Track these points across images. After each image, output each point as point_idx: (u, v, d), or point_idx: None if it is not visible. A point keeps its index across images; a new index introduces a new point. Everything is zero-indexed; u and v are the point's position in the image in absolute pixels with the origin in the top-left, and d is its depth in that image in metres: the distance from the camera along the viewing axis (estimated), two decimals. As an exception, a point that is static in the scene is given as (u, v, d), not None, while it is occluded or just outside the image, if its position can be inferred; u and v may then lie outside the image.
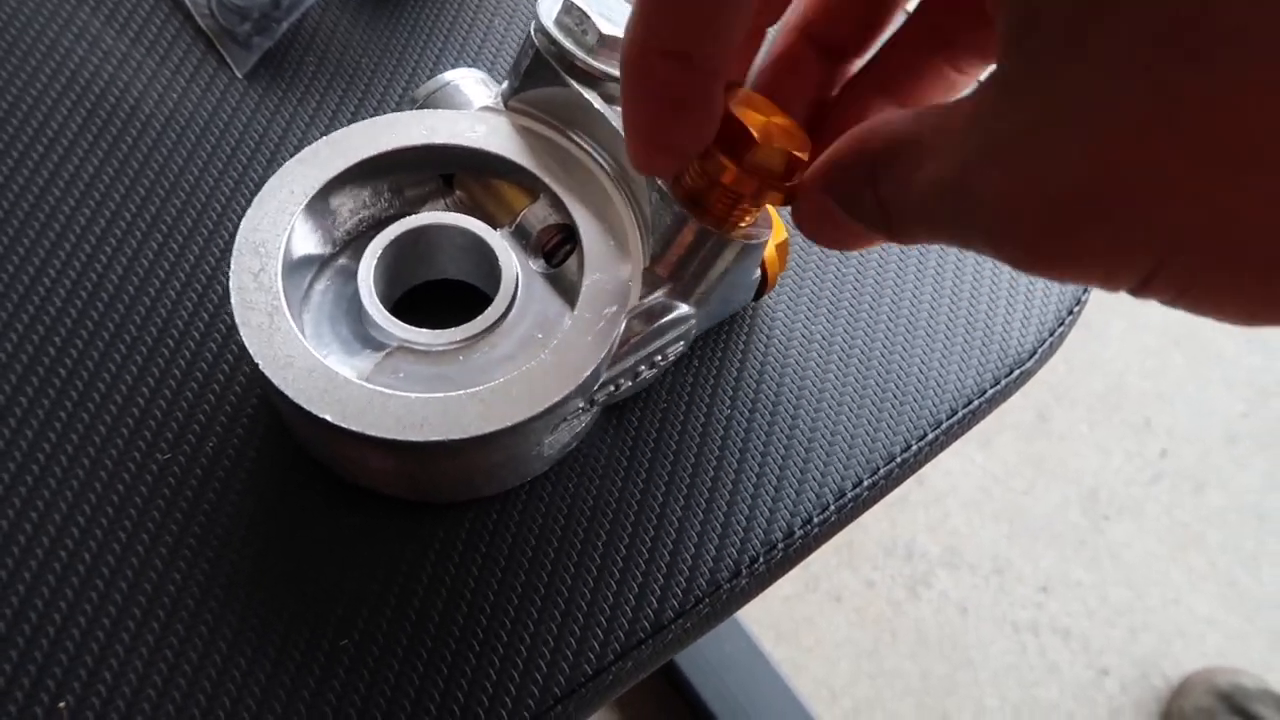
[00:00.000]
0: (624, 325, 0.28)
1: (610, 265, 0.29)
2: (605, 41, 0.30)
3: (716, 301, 0.31)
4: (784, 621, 0.99)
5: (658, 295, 0.30)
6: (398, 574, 0.29)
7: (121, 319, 0.33)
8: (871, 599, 1.01)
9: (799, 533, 0.31)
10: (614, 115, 0.30)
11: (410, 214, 0.31)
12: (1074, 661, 1.00)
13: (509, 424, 0.26)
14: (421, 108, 0.33)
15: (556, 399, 0.27)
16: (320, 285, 0.31)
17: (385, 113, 0.38)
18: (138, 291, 0.33)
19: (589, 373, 0.27)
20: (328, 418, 0.26)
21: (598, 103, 0.30)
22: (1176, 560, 1.06)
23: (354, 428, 0.26)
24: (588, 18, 0.30)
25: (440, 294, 0.33)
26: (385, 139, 0.31)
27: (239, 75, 0.38)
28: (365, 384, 0.27)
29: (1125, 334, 1.17)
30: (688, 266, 0.30)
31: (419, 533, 0.30)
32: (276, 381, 0.26)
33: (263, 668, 0.28)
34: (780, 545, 0.31)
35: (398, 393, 0.26)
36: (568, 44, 0.30)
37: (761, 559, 0.31)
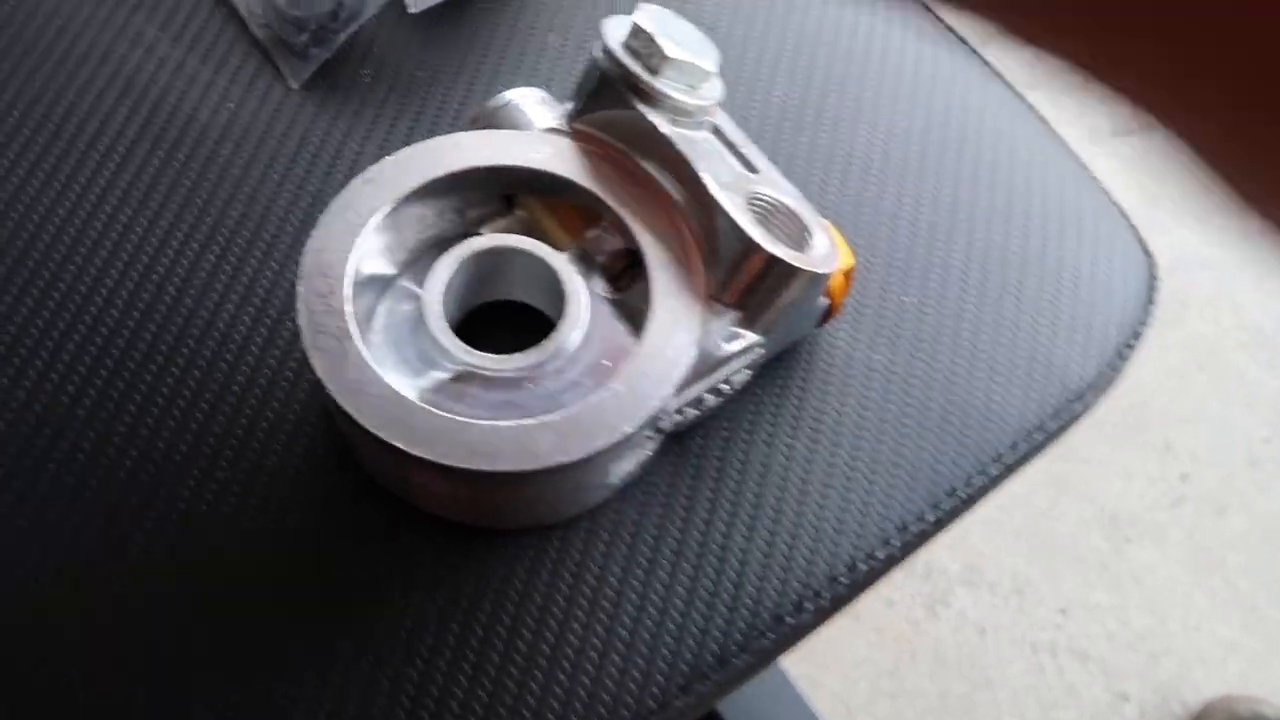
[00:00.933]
0: (693, 353, 0.28)
1: (676, 292, 0.29)
2: (671, 64, 0.30)
3: (782, 329, 0.31)
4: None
5: (724, 323, 0.29)
6: (460, 600, 0.29)
7: (180, 331, 0.32)
8: (890, 618, 1.01)
9: (862, 566, 0.31)
10: (680, 139, 0.30)
11: (472, 234, 0.31)
12: (1093, 684, 1.00)
13: (583, 454, 0.26)
14: (482, 127, 0.33)
15: (630, 429, 0.26)
16: (383, 307, 0.30)
17: (440, 128, 0.38)
18: (196, 303, 0.33)
19: (660, 402, 0.27)
20: (399, 445, 0.25)
21: (664, 126, 0.30)
22: (1198, 584, 1.05)
23: (426, 456, 0.25)
24: (654, 41, 0.30)
25: (496, 315, 0.33)
26: (451, 159, 0.30)
27: (294, 86, 0.38)
28: (435, 410, 0.26)
29: (1148, 356, 1.17)
30: (754, 294, 0.29)
31: (481, 559, 0.30)
32: (349, 409, 0.26)
33: (327, 694, 0.28)
34: (844, 578, 0.31)
35: (470, 420, 0.26)
36: (634, 67, 0.30)
37: (825, 592, 0.30)
